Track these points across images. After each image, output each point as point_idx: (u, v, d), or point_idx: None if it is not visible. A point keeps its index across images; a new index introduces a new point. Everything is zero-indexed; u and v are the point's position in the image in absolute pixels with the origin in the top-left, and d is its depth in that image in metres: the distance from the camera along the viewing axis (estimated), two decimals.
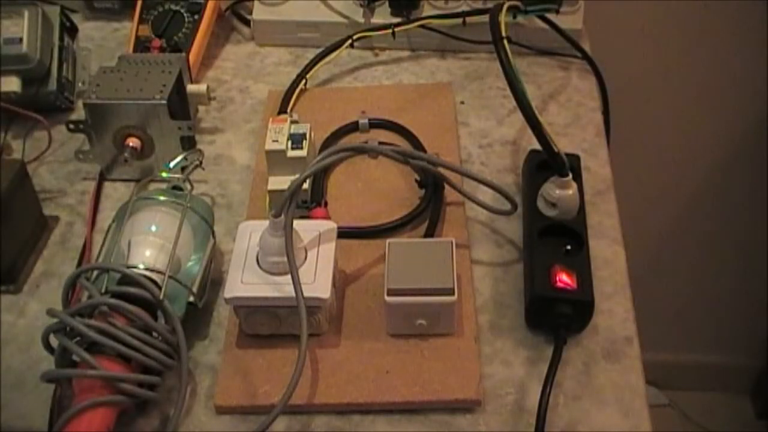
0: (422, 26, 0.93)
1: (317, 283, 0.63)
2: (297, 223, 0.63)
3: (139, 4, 0.95)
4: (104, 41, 1.00)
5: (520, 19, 0.90)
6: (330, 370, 0.64)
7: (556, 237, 0.69)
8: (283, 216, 0.62)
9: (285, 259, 0.62)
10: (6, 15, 0.84)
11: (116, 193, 0.81)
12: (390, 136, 0.84)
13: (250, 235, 0.66)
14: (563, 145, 0.75)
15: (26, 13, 0.85)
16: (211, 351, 0.67)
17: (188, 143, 0.79)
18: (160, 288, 0.62)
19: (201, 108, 0.89)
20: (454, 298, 0.63)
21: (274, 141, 0.73)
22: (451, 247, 0.65)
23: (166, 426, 0.61)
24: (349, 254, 0.72)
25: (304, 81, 0.89)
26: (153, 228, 0.67)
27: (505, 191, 0.71)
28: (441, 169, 0.74)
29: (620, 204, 0.77)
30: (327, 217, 0.73)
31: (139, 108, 0.77)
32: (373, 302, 0.68)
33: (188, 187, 0.73)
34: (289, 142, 0.74)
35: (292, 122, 0.76)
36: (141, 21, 0.93)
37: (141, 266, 0.64)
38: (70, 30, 0.92)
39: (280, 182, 0.73)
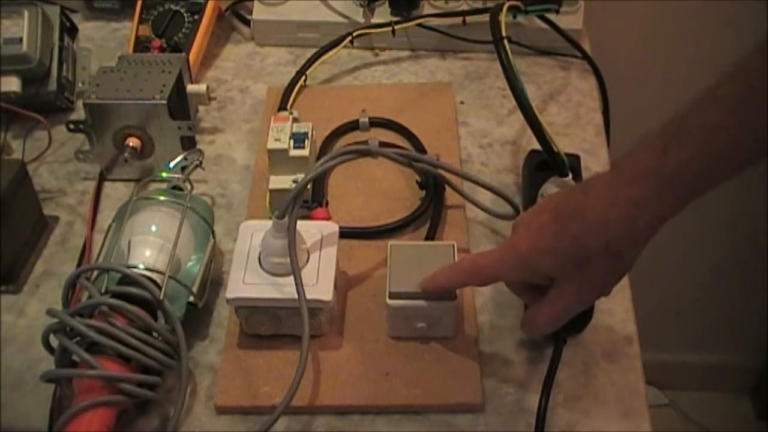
0: (422, 26, 0.92)
1: (319, 285, 0.63)
2: (300, 225, 0.63)
3: (139, 4, 0.95)
4: (104, 41, 1.00)
5: (520, 19, 0.90)
6: (331, 372, 0.64)
7: None
8: (286, 218, 0.62)
9: (287, 260, 0.62)
10: (6, 15, 0.84)
11: (116, 193, 0.81)
12: (390, 135, 0.84)
13: (252, 235, 0.66)
14: (563, 145, 0.75)
15: (26, 13, 0.85)
16: (211, 351, 0.67)
17: (188, 143, 0.79)
18: (160, 288, 0.62)
19: (201, 108, 0.89)
20: (455, 302, 0.62)
21: (276, 140, 0.73)
22: (453, 250, 0.65)
23: (166, 426, 0.61)
24: (349, 255, 0.72)
25: (303, 78, 0.88)
26: (153, 228, 0.67)
27: (507, 195, 0.71)
28: (442, 172, 0.74)
29: None
30: (328, 217, 0.73)
31: (139, 108, 0.77)
32: (374, 304, 0.68)
33: (188, 187, 0.73)
34: (292, 141, 0.73)
35: (294, 121, 0.76)
36: (141, 21, 0.93)
37: (141, 266, 0.64)
38: (70, 30, 0.92)
39: (282, 181, 0.73)
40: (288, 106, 0.85)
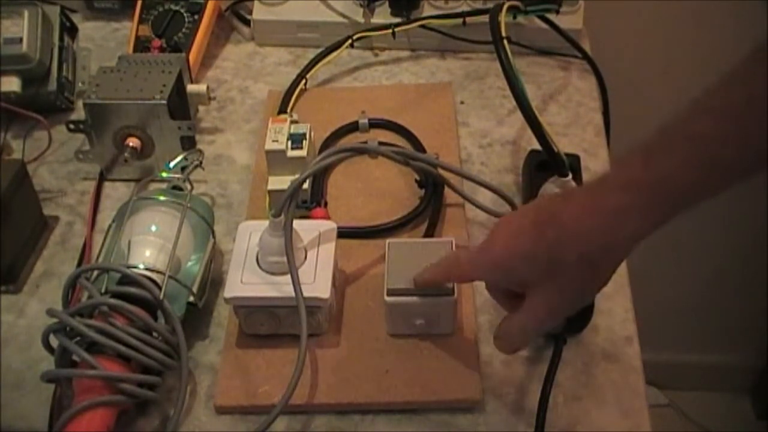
0: (422, 26, 0.93)
1: (317, 283, 0.63)
2: (297, 223, 0.63)
3: (139, 4, 0.95)
4: (104, 41, 1.00)
5: (520, 19, 0.90)
6: (330, 370, 0.64)
7: None
8: (282, 216, 0.62)
9: (285, 259, 0.62)
10: (6, 15, 0.84)
11: (116, 193, 0.81)
12: (390, 136, 0.84)
13: (250, 235, 0.66)
14: (563, 145, 0.75)
15: (26, 13, 0.85)
16: (211, 351, 0.67)
17: (188, 143, 0.79)
18: (160, 288, 0.62)
19: (201, 108, 0.89)
20: (454, 298, 0.62)
21: (274, 141, 0.73)
22: (451, 246, 0.65)
23: (166, 426, 0.61)
24: (348, 254, 0.72)
25: (304, 81, 0.89)
26: (153, 228, 0.67)
27: (505, 194, 0.71)
28: (441, 171, 0.74)
29: None
30: (327, 217, 0.73)
31: (139, 108, 0.77)
32: (373, 302, 0.68)
33: (188, 187, 0.73)
34: (289, 142, 0.74)
35: (292, 122, 0.76)
36: (141, 21, 0.93)
37: (141, 266, 0.64)
38: (70, 30, 0.92)
39: (280, 182, 0.73)
40: (288, 110, 0.85)
